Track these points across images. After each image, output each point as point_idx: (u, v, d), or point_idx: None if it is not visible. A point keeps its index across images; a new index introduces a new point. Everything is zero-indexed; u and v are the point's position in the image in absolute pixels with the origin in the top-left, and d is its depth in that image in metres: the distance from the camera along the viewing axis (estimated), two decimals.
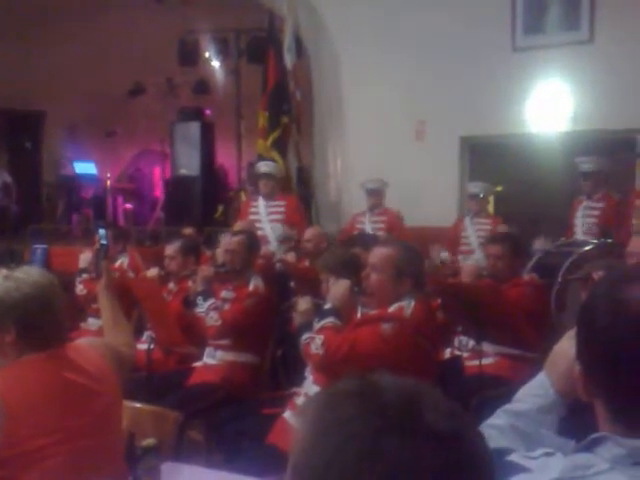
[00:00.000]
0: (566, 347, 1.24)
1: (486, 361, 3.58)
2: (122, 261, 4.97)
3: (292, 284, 4.83)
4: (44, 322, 1.81)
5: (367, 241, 4.29)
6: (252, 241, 4.07)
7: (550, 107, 6.57)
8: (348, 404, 0.75)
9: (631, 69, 6.12)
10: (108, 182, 11.26)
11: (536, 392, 1.29)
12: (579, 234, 5.51)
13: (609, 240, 4.63)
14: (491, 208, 6.89)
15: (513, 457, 1.06)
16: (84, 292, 4.59)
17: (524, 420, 1.27)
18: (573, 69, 6.42)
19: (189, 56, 9.68)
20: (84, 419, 1.81)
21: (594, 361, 1.02)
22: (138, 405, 2.25)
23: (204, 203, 9.02)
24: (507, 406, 1.33)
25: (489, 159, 7.05)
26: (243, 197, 8.32)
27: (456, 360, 3.80)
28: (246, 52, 9.23)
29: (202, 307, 3.63)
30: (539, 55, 6.56)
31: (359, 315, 3.09)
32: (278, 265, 5.24)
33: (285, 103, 7.50)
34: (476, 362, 3.48)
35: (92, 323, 4.57)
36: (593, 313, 1.03)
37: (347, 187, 7.56)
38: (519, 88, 6.66)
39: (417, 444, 0.71)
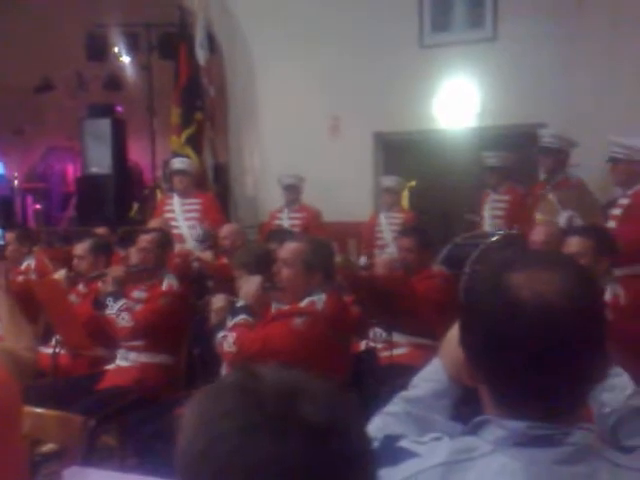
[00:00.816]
0: (456, 333, 1.28)
1: (399, 351, 3.69)
2: (28, 263, 4.80)
3: (209, 282, 4.81)
4: None
5: (283, 237, 4.31)
6: (164, 239, 4.00)
7: (457, 103, 6.76)
8: (229, 397, 0.77)
9: (532, 66, 6.37)
10: (16, 182, 10.83)
11: (430, 377, 1.30)
12: (486, 226, 5.71)
13: (514, 231, 4.82)
14: (405, 202, 7.05)
15: (403, 443, 1.08)
16: None
17: (419, 406, 1.28)
18: (478, 66, 6.62)
19: (98, 51, 9.40)
20: None
21: (476, 346, 1.04)
22: (42, 411, 2.18)
23: (117, 202, 8.79)
24: (404, 392, 1.33)
25: (402, 154, 7.20)
26: (159, 195, 8.18)
27: (370, 352, 3.88)
28: (157, 47, 9.05)
29: (113, 308, 3.54)
30: (446, 52, 6.73)
31: (273, 311, 3.11)
32: (195, 264, 5.19)
33: (198, 99, 7.42)
34: (389, 353, 3.57)
35: None
36: (474, 299, 1.06)
37: (265, 183, 7.56)
38: (427, 85, 6.81)
39: (289, 440, 0.72)
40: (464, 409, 1.33)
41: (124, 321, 3.51)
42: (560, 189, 4.75)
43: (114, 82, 10.44)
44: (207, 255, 5.37)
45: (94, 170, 8.83)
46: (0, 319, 2.18)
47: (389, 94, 6.86)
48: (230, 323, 2.87)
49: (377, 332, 3.93)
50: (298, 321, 2.80)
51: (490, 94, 6.60)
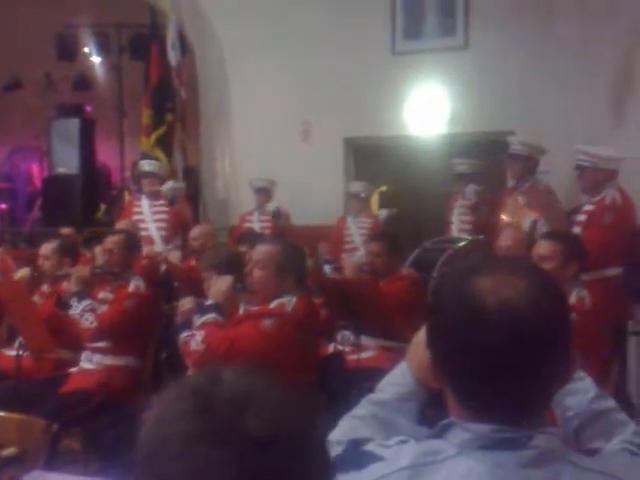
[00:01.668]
0: (423, 336, 1.28)
1: (367, 354, 3.69)
2: None
3: (176, 284, 4.76)
4: None
5: (254, 239, 4.31)
6: (131, 240, 3.94)
7: (428, 110, 6.82)
8: (185, 400, 0.75)
9: (502, 75, 6.46)
10: None
11: (397, 381, 1.30)
12: (455, 231, 5.75)
13: (481, 237, 4.87)
14: (375, 207, 7.07)
15: (369, 447, 1.07)
16: None
17: (385, 409, 1.28)
18: (449, 74, 6.68)
19: (68, 50, 9.27)
20: None
21: (441, 349, 1.04)
22: (3, 414, 2.13)
23: (84, 203, 8.65)
24: (371, 395, 1.33)
25: (373, 160, 7.22)
26: (127, 196, 8.09)
27: (338, 355, 3.87)
28: (128, 48, 8.96)
29: (77, 309, 3.48)
30: (417, 59, 6.77)
31: (241, 312, 3.09)
32: (163, 266, 5.14)
33: (169, 101, 7.38)
34: (357, 356, 3.57)
35: None
36: (440, 303, 1.06)
37: (235, 186, 7.54)
38: (399, 91, 6.85)
39: (227, 450, 0.70)
40: (430, 412, 1.34)
41: (88, 322, 3.46)
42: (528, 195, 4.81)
43: (84, 82, 10.30)
44: (174, 256, 5.32)
45: (61, 170, 8.69)
46: None
47: (360, 100, 6.89)
48: (198, 321, 2.84)
49: (345, 335, 3.93)
50: (267, 322, 2.79)
51: (460, 101, 6.66)
